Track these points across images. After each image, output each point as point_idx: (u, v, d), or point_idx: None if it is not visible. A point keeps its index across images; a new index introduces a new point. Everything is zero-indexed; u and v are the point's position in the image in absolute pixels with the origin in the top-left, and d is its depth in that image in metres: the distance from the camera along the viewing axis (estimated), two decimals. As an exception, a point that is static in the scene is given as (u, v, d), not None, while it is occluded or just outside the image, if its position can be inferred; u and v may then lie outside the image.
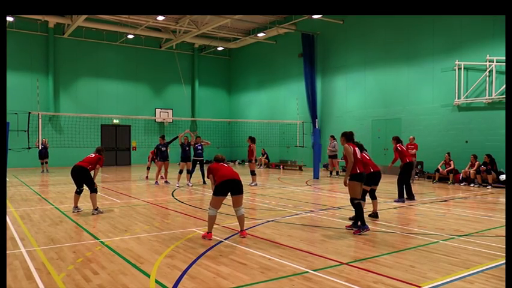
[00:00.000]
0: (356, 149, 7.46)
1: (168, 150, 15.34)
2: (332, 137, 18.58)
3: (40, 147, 18.26)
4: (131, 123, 26.13)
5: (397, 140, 11.19)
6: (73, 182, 9.28)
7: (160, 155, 15.10)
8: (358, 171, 7.25)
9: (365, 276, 4.79)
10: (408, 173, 10.81)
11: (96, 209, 9.05)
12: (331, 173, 18.70)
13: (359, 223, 7.14)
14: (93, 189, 9.06)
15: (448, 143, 16.59)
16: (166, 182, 15.15)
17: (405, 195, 10.81)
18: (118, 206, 10.12)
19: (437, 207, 9.86)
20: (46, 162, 20.30)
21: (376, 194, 8.58)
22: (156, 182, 15.01)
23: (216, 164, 6.95)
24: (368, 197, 8.37)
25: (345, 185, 7.40)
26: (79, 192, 9.21)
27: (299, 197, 11.64)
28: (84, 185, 9.16)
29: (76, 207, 9.27)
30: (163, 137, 15.44)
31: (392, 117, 18.97)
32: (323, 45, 22.43)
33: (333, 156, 18.28)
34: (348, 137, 7.54)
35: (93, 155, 9.38)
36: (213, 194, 6.66)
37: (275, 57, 26.10)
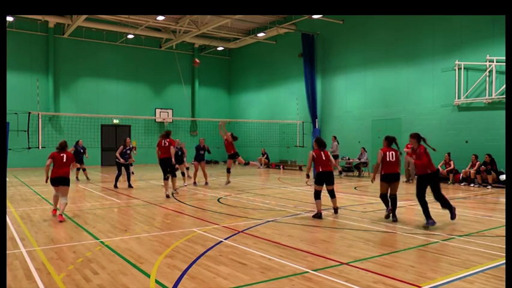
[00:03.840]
0: (388, 152, 8.29)
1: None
2: (334, 137, 18.47)
3: (74, 150, 16.39)
4: (131, 123, 26.13)
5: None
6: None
7: (197, 157, 14.85)
8: (382, 173, 8.30)
9: (365, 276, 4.79)
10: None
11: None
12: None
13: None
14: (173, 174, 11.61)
15: (448, 143, 16.58)
16: (206, 183, 14.81)
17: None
18: (118, 206, 10.13)
19: (437, 207, 9.84)
20: (84, 169, 16.78)
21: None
22: (194, 183, 14.76)
23: (57, 153, 8.45)
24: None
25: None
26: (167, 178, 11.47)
27: (299, 197, 11.64)
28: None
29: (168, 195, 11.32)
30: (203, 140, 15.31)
31: (392, 117, 18.96)
32: (322, 45, 22.43)
33: (334, 157, 18.10)
34: (388, 140, 8.52)
35: (166, 143, 11.40)
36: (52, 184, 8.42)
37: (275, 57, 26.10)
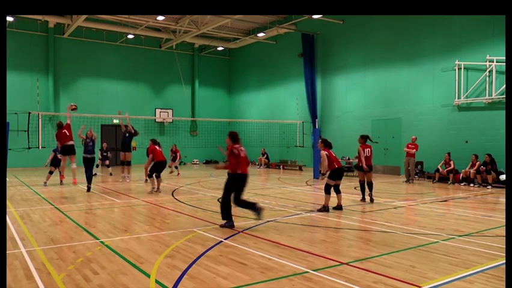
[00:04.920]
0: (365, 149, 10.43)
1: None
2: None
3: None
4: (131, 123, 26.06)
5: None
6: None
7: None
8: (359, 165, 10.45)
9: (365, 276, 4.79)
10: None
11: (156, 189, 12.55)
12: None
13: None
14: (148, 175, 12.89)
15: (448, 143, 16.59)
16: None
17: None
18: (118, 206, 10.12)
19: (437, 207, 9.86)
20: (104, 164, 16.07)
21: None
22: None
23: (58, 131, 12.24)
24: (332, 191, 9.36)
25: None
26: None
27: (299, 197, 11.64)
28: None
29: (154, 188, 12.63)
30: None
31: (392, 117, 18.97)
32: (322, 45, 22.42)
33: None
34: (363, 138, 10.61)
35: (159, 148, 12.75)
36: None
37: (275, 57, 26.09)
